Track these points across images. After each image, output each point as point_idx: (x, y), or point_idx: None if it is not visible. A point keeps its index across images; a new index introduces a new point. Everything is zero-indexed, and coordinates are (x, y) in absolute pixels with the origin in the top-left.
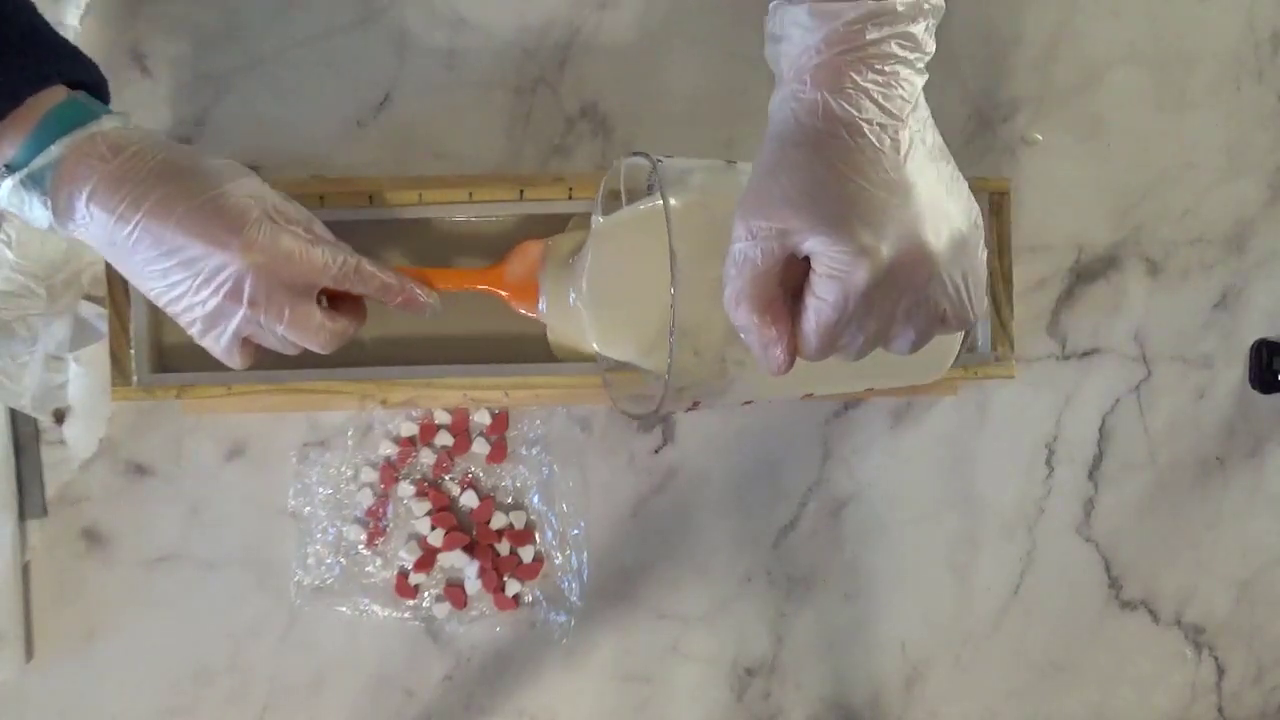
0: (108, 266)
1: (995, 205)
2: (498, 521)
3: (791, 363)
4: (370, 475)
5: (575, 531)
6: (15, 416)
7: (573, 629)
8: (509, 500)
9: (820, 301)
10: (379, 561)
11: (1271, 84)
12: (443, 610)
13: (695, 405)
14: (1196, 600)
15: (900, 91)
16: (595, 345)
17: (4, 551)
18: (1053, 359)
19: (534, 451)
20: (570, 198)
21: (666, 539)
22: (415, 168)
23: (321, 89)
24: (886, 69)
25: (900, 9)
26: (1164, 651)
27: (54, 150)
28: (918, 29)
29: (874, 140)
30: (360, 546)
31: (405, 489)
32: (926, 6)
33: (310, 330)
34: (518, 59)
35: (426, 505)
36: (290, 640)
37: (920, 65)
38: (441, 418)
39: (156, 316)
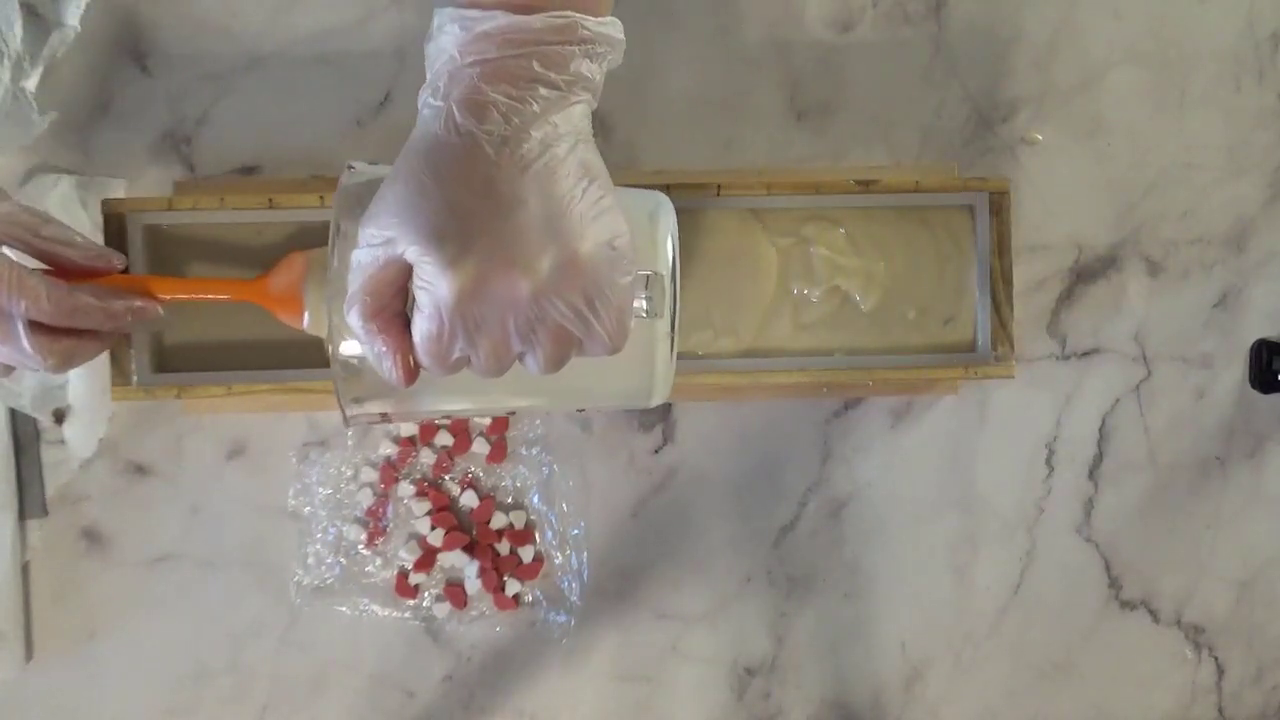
0: None
1: (995, 205)
2: (498, 521)
3: (409, 375)
4: (370, 475)
5: (575, 531)
6: (15, 416)
7: (573, 629)
8: (509, 500)
9: (419, 313)
10: (379, 561)
11: (1271, 84)
12: (443, 610)
13: (386, 417)
14: (1196, 600)
15: (534, 108)
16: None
17: (4, 551)
18: (1053, 359)
19: (534, 451)
20: None
21: (666, 539)
22: None
23: (321, 89)
24: (520, 85)
25: (538, 27)
26: (1164, 651)
27: None
28: (565, 51)
29: (490, 152)
30: (360, 546)
31: (405, 489)
32: (578, 35)
33: (22, 354)
34: None
35: (426, 505)
36: (290, 640)
37: (570, 87)
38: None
39: None
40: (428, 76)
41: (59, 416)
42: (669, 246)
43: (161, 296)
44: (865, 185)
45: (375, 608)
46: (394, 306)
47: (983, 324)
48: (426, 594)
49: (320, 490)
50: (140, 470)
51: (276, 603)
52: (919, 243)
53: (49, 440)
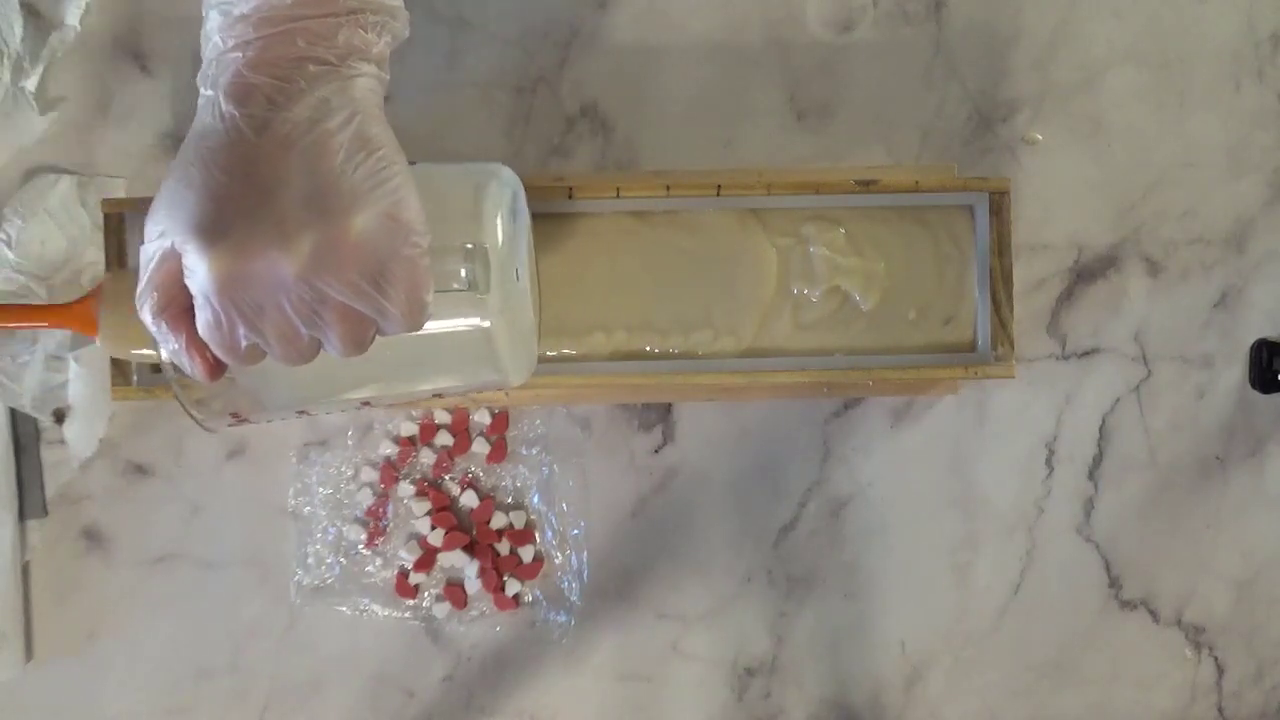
0: (108, 266)
1: (995, 205)
2: (498, 521)
3: (208, 368)
4: (370, 475)
5: (575, 531)
6: (15, 416)
7: (573, 629)
8: (509, 500)
9: (195, 304)
10: (379, 561)
11: (1271, 84)
12: (443, 610)
13: (238, 418)
14: (1196, 600)
15: (299, 85)
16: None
17: (4, 551)
18: (1053, 359)
19: (534, 451)
20: (570, 198)
21: (666, 539)
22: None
23: None
24: (283, 65)
25: (292, 2)
26: (1164, 651)
27: None
28: (330, 24)
29: (250, 135)
30: (360, 546)
31: (405, 489)
32: (342, 5)
33: None
34: (518, 59)
35: (426, 505)
36: (290, 640)
37: (342, 60)
38: (441, 417)
39: None
40: (202, 65)
41: (59, 416)
42: (498, 218)
43: None
44: (865, 185)
45: (375, 608)
46: (181, 301)
47: (983, 324)
48: (426, 594)
49: (320, 490)
50: (140, 470)
51: (276, 603)
52: (919, 243)
53: (49, 440)
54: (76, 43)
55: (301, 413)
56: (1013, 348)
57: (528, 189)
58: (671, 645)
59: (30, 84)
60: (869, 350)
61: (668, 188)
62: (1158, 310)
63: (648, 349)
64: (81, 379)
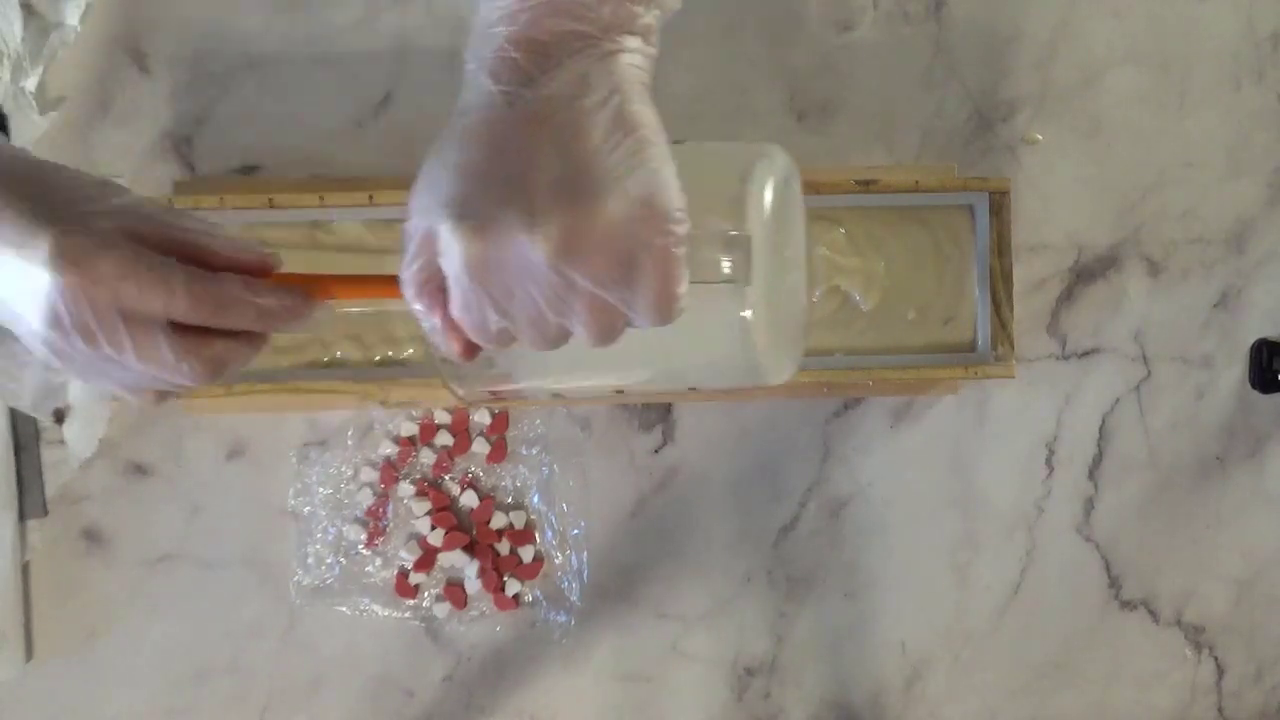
0: None
1: (995, 205)
2: (498, 521)
3: (463, 349)
4: (370, 475)
5: (575, 531)
6: (15, 416)
7: (573, 629)
8: (509, 500)
9: (448, 284)
10: (379, 561)
11: (1271, 84)
12: (443, 610)
13: (496, 396)
14: (1196, 600)
15: (559, 61)
16: None
17: (4, 551)
18: (1053, 359)
19: (534, 451)
20: None
21: (666, 539)
22: (415, 168)
23: (321, 89)
24: (545, 39)
25: None
26: (1164, 651)
27: None
28: None
29: (505, 111)
30: (360, 546)
31: (405, 489)
32: None
33: (164, 365)
34: None
35: (426, 505)
36: (290, 640)
37: (606, 34)
38: (441, 417)
39: None
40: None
41: (59, 416)
42: (765, 202)
43: (325, 298)
44: (865, 185)
45: (375, 608)
46: (439, 279)
47: (983, 324)
48: (426, 594)
49: (320, 490)
50: (140, 470)
51: (276, 603)
52: (919, 243)
53: (49, 440)
54: (76, 43)
55: (556, 395)
56: (1013, 348)
57: None
58: (671, 645)
59: (30, 84)
60: (869, 350)
61: None
62: (1158, 310)
63: None
64: None
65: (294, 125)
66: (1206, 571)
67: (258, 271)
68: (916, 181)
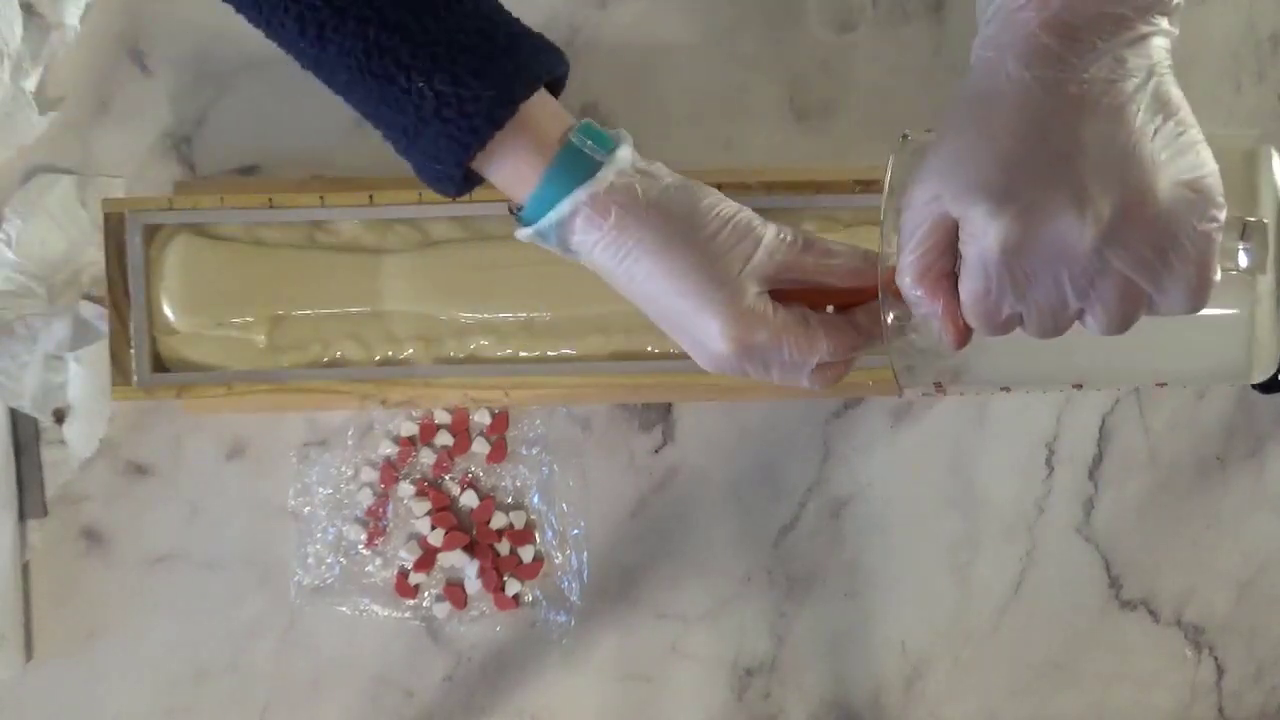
0: (108, 266)
1: None
2: (498, 521)
3: (959, 336)
4: (370, 475)
5: (575, 531)
6: (15, 416)
7: (573, 629)
8: (509, 500)
9: (966, 270)
10: (379, 561)
11: (1272, 84)
12: (443, 610)
13: (939, 388)
14: (1196, 600)
15: (1095, 44)
16: None
17: (4, 551)
18: None
19: (534, 451)
20: None
21: (666, 539)
22: None
23: (321, 89)
24: (1078, 22)
25: None
26: (1164, 651)
27: (564, 208)
28: None
29: (1042, 97)
30: (360, 546)
31: (405, 489)
32: None
33: (796, 383)
34: None
35: (426, 505)
36: (290, 640)
37: (1141, 15)
38: (441, 417)
39: (156, 317)
40: (978, 28)
41: (59, 416)
42: (1274, 189)
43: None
44: (865, 185)
45: (375, 608)
46: (941, 267)
47: None
48: (426, 594)
49: (320, 490)
50: (140, 470)
51: (276, 603)
52: None
53: (49, 440)
54: (76, 43)
55: (1004, 389)
56: None
57: None
58: (671, 645)
59: (30, 84)
60: (868, 350)
61: None
62: None
63: (648, 349)
64: (81, 379)
65: (294, 125)
66: (1206, 571)
67: (863, 295)
68: None
